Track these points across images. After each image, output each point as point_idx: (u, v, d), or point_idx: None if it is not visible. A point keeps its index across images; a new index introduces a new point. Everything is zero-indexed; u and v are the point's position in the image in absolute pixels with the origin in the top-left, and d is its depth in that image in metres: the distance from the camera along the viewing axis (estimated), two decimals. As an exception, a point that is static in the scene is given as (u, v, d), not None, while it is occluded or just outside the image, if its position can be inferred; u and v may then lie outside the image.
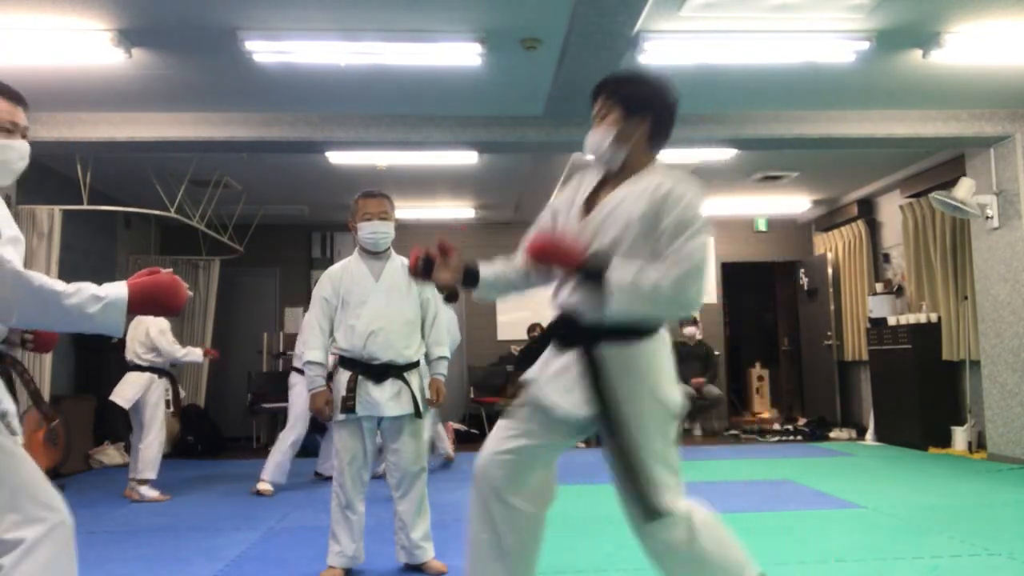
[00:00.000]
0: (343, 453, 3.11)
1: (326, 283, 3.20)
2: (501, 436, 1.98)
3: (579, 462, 6.49)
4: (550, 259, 1.88)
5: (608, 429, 1.86)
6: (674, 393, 1.91)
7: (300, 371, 5.47)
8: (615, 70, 4.53)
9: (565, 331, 1.94)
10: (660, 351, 1.92)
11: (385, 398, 3.06)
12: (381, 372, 3.07)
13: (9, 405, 1.73)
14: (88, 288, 1.58)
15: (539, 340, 2.03)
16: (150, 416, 5.04)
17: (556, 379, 1.92)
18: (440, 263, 1.97)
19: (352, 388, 3.06)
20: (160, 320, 5.12)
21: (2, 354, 1.82)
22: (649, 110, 1.97)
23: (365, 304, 3.10)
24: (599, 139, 2.00)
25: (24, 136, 1.82)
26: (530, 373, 2.00)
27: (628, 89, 2.01)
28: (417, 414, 3.10)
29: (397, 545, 3.21)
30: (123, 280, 1.62)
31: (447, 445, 6.33)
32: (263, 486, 5.09)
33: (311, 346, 3.15)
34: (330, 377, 3.22)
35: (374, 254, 3.20)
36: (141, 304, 1.64)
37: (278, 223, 8.81)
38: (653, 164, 1.99)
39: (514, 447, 1.94)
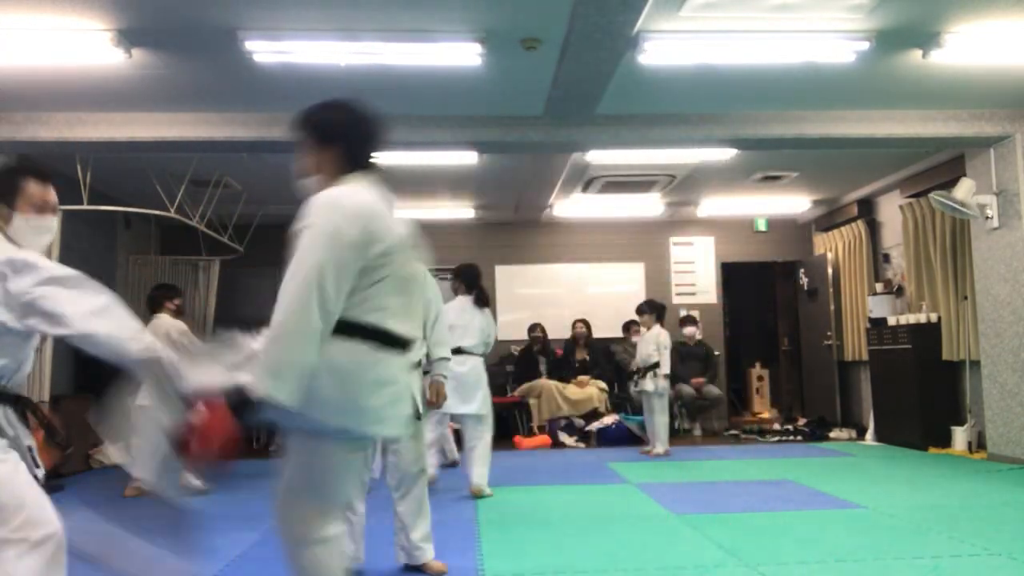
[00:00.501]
0: None
1: None
2: None
3: (579, 463, 6.51)
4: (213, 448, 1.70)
5: None
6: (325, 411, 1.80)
7: None
8: (614, 70, 4.57)
9: None
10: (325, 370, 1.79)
11: None
12: None
13: (30, 440, 1.95)
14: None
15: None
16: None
17: None
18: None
19: None
20: (177, 322, 5.25)
21: (19, 396, 1.98)
22: (338, 138, 2.00)
23: None
24: (297, 169, 2.06)
25: (54, 212, 2.11)
26: None
27: (316, 119, 2.04)
28: (416, 416, 3.10)
29: (396, 546, 3.21)
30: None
31: (452, 447, 6.30)
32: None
33: None
34: None
35: None
36: None
37: (278, 223, 8.73)
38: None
39: None
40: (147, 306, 5.49)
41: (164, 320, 5.32)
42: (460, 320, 4.74)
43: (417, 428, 3.15)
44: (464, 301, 4.91)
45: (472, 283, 4.94)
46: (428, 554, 3.19)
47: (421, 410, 3.13)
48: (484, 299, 4.95)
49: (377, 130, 2.07)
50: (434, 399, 3.24)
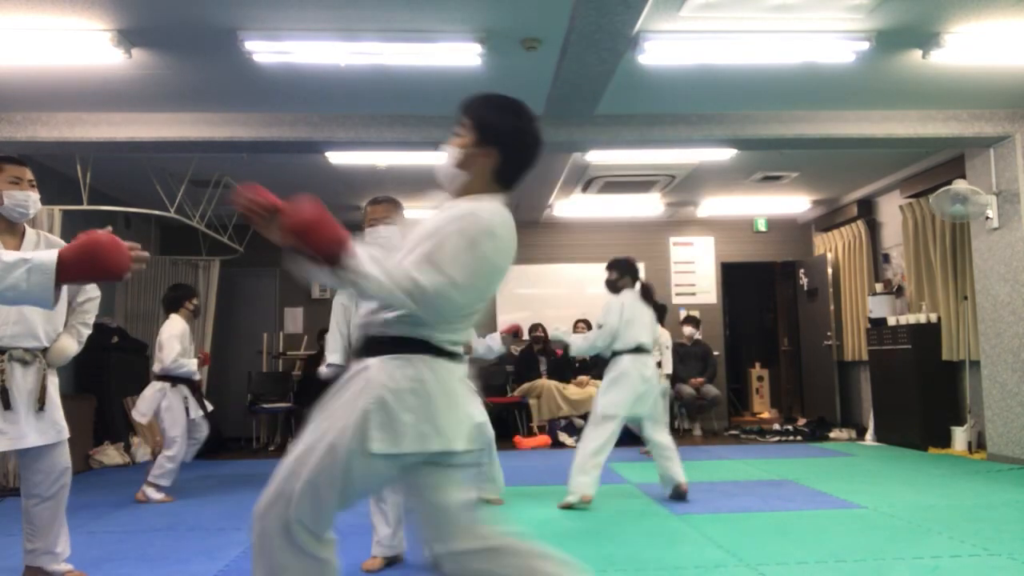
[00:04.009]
0: None
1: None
2: None
3: (579, 462, 6.50)
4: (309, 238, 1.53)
5: None
6: None
7: None
8: (614, 70, 4.57)
9: None
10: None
11: None
12: None
13: None
14: (17, 253, 1.56)
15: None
16: (168, 426, 4.84)
17: None
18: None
19: None
20: (174, 325, 4.99)
21: None
22: (499, 143, 1.83)
23: None
24: (445, 160, 1.89)
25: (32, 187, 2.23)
26: None
27: (485, 114, 1.86)
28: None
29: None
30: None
31: None
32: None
33: (331, 350, 3.35)
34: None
35: None
36: (76, 265, 1.54)
37: (278, 223, 8.79)
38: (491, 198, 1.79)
39: None
40: (164, 306, 5.24)
41: (180, 322, 5.06)
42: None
43: None
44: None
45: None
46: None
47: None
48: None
49: (532, 155, 1.94)
50: None
